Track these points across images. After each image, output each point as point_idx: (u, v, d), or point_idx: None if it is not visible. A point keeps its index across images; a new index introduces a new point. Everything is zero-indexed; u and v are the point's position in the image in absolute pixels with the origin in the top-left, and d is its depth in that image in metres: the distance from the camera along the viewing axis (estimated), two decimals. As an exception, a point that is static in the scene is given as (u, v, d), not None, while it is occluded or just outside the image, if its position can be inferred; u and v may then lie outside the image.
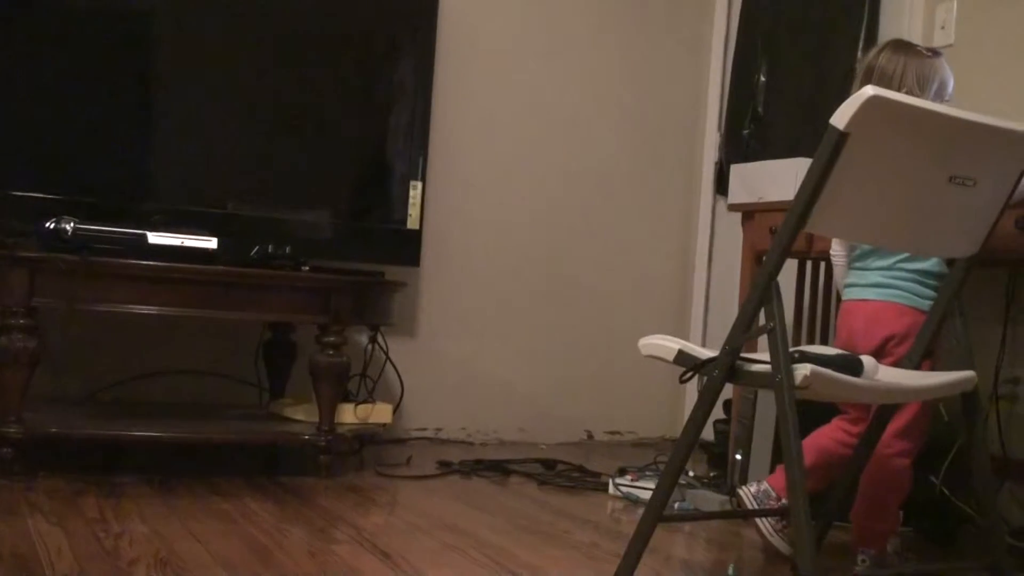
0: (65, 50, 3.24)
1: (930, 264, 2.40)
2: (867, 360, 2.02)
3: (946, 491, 2.78)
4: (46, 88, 3.21)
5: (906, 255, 2.40)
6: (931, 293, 2.37)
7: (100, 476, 2.91)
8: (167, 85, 3.40)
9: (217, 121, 3.43)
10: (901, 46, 2.46)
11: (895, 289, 2.40)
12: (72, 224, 2.91)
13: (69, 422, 3.02)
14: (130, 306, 2.95)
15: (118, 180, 3.30)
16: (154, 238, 3.04)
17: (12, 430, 2.82)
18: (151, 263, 2.96)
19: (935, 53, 2.47)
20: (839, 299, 2.57)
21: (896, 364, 2.28)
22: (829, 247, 2.63)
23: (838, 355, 2.03)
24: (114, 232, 2.98)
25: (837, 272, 2.60)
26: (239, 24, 3.45)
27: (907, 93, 2.35)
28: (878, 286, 2.42)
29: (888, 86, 2.35)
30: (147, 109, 3.38)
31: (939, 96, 2.42)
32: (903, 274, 2.41)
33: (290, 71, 3.51)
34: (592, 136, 4.32)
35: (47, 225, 2.90)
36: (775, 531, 2.55)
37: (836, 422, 2.55)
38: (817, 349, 2.10)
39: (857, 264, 2.49)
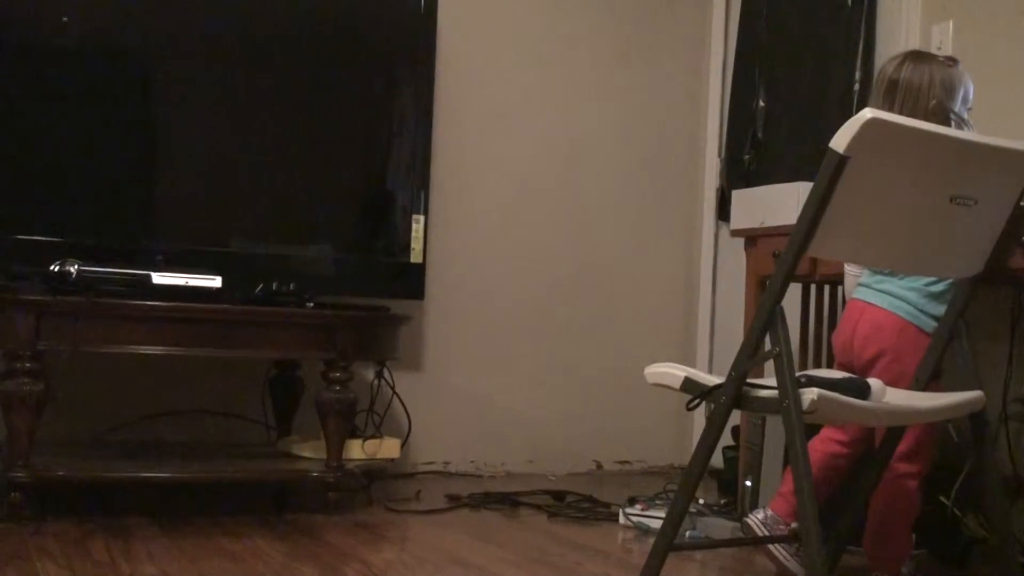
0: (64, 93, 3.25)
1: (943, 285, 2.37)
2: (874, 383, 2.02)
3: (957, 512, 2.76)
4: (46, 132, 3.22)
5: None
6: (937, 313, 2.36)
7: (109, 518, 2.91)
8: (167, 125, 3.41)
9: (219, 160, 3.44)
10: (922, 56, 2.42)
11: (905, 303, 2.39)
12: (76, 266, 2.92)
13: (77, 465, 3.01)
14: (136, 347, 2.95)
15: (121, 221, 3.30)
16: (158, 278, 3.04)
17: (20, 474, 2.82)
18: (156, 303, 2.97)
19: (954, 61, 2.43)
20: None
21: (897, 385, 2.27)
22: (832, 271, 2.63)
23: (845, 378, 2.03)
24: (118, 273, 2.99)
25: (849, 283, 2.58)
26: (238, 64, 3.47)
27: (936, 104, 2.32)
28: (890, 295, 2.41)
29: (917, 98, 2.34)
30: (148, 149, 3.39)
31: (964, 104, 2.39)
32: (916, 289, 2.39)
33: (290, 108, 3.52)
34: (593, 166, 4.33)
35: (51, 268, 2.91)
36: (790, 555, 2.53)
37: (825, 432, 2.53)
38: (824, 373, 2.10)
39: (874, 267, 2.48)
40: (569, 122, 4.29)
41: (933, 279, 2.38)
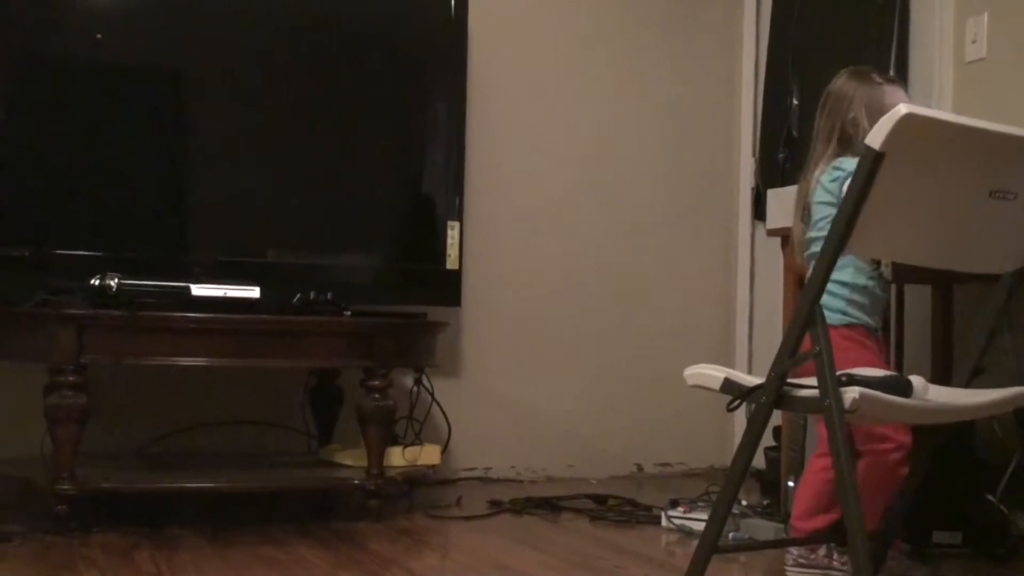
0: (101, 108, 3.29)
1: (847, 271, 2.50)
2: (916, 380, 2.00)
3: (1004, 509, 2.73)
4: (84, 147, 3.26)
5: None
6: (867, 294, 2.51)
7: (153, 529, 2.93)
8: (203, 138, 3.44)
9: (255, 171, 3.46)
10: (857, 74, 2.58)
11: (828, 310, 2.50)
12: (117, 280, 2.94)
13: (121, 477, 3.04)
14: (177, 358, 2.98)
15: (159, 234, 3.33)
16: (198, 290, 3.07)
17: (66, 487, 2.84)
18: (196, 315, 2.99)
19: (892, 80, 2.58)
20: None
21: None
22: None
23: (886, 376, 2.01)
24: (158, 286, 3.02)
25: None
26: (273, 75, 3.49)
27: (853, 117, 2.51)
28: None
29: (837, 109, 2.54)
30: (184, 162, 3.42)
31: None
32: (839, 286, 2.52)
33: (324, 119, 3.54)
34: (628, 169, 4.32)
35: (92, 282, 2.94)
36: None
37: (817, 460, 2.59)
38: (864, 371, 2.08)
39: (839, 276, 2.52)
40: (603, 125, 4.29)
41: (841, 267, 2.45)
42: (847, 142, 2.54)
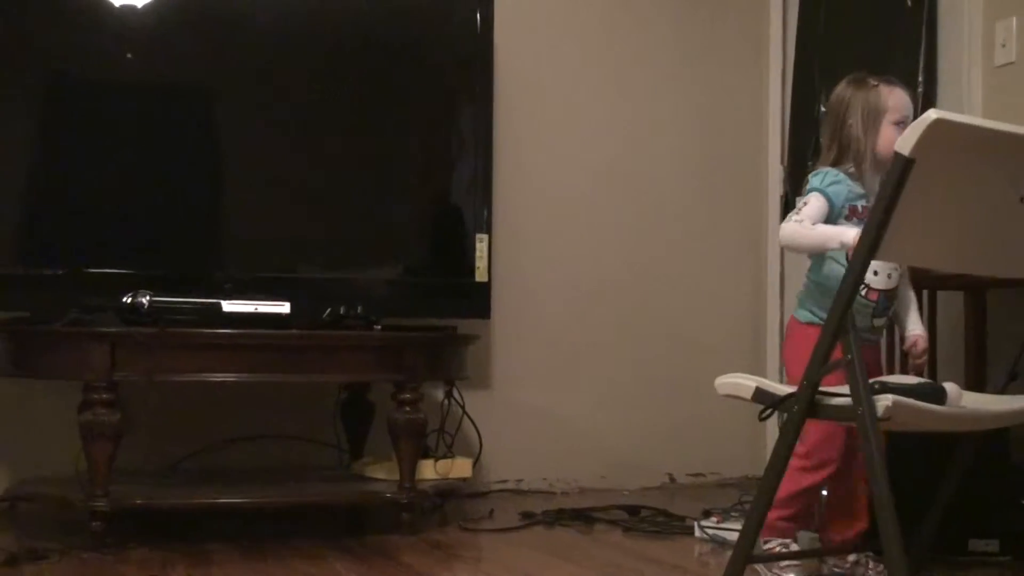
0: (130, 127, 3.32)
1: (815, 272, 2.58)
2: (950, 387, 1.99)
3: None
4: (114, 166, 3.29)
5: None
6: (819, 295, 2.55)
7: (188, 545, 2.94)
8: (231, 155, 3.46)
9: (283, 187, 3.48)
10: (855, 81, 2.59)
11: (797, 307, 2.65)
12: (148, 297, 2.97)
13: (155, 493, 3.05)
14: (209, 374, 3.00)
15: (189, 251, 3.36)
16: (228, 306, 3.08)
17: (100, 504, 2.86)
18: (227, 331, 3.00)
19: (888, 81, 2.57)
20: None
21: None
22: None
23: (920, 384, 2.00)
24: (189, 303, 3.04)
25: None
26: (299, 91, 3.51)
27: (851, 125, 2.54)
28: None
29: (836, 122, 2.57)
30: (212, 180, 3.45)
31: (891, 117, 2.54)
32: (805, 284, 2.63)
33: (351, 133, 3.56)
34: (656, 178, 4.32)
35: (124, 300, 2.96)
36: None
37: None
38: (897, 379, 2.07)
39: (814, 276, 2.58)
40: (629, 134, 4.29)
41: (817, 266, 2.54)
42: (844, 150, 2.56)
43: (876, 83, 2.55)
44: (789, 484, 2.57)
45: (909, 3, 3.67)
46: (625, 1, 4.32)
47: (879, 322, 2.55)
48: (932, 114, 1.78)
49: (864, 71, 2.62)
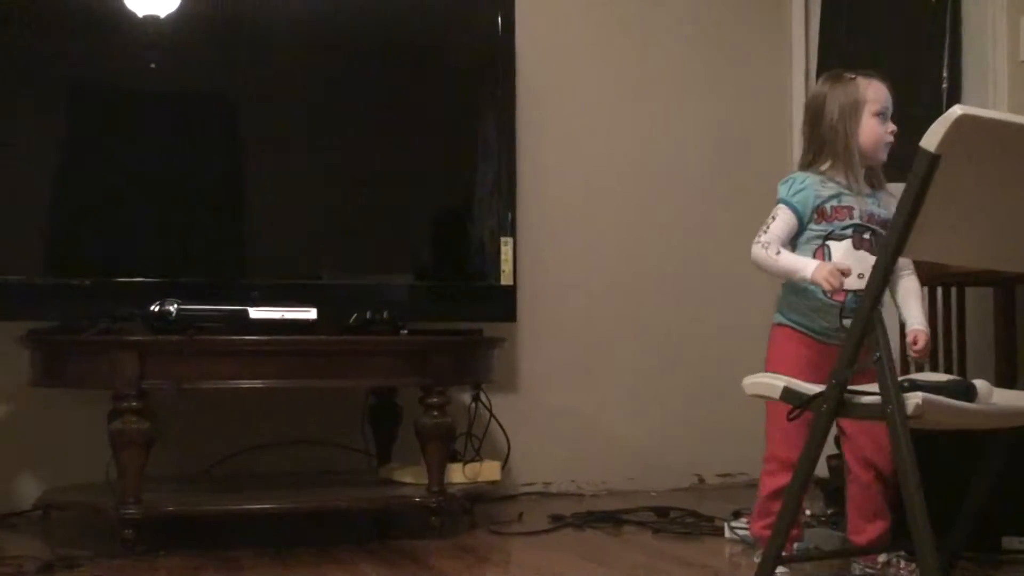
0: (156, 136, 3.34)
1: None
2: (980, 384, 1.98)
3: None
4: (141, 176, 3.31)
5: None
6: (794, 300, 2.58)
7: (218, 551, 2.95)
8: (255, 163, 3.48)
9: (308, 194, 3.49)
10: (832, 77, 2.58)
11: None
12: (176, 305, 2.98)
13: (185, 499, 3.07)
14: (237, 381, 3.01)
15: (217, 259, 3.37)
16: (255, 313, 3.10)
17: (132, 511, 2.88)
18: (255, 338, 3.02)
19: (867, 74, 2.55)
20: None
21: None
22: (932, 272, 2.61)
23: (950, 381, 1.99)
24: (216, 310, 3.05)
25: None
26: (323, 97, 3.52)
27: (831, 121, 2.51)
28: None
29: (817, 120, 2.55)
30: (237, 188, 3.46)
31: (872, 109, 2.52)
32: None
33: (374, 138, 3.56)
34: (679, 180, 4.31)
35: (152, 308, 2.98)
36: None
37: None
38: (926, 376, 2.06)
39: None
40: (651, 136, 4.28)
41: None
42: (821, 149, 2.56)
43: (853, 76, 2.54)
44: (760, 491, 2.59)
45: (933, 1, 3.65)
46: (647, 4, 4.31)
47: (849, 322, 2.52)
48: (957, 110, 1.77)
49: (840, 68, 2.62)
